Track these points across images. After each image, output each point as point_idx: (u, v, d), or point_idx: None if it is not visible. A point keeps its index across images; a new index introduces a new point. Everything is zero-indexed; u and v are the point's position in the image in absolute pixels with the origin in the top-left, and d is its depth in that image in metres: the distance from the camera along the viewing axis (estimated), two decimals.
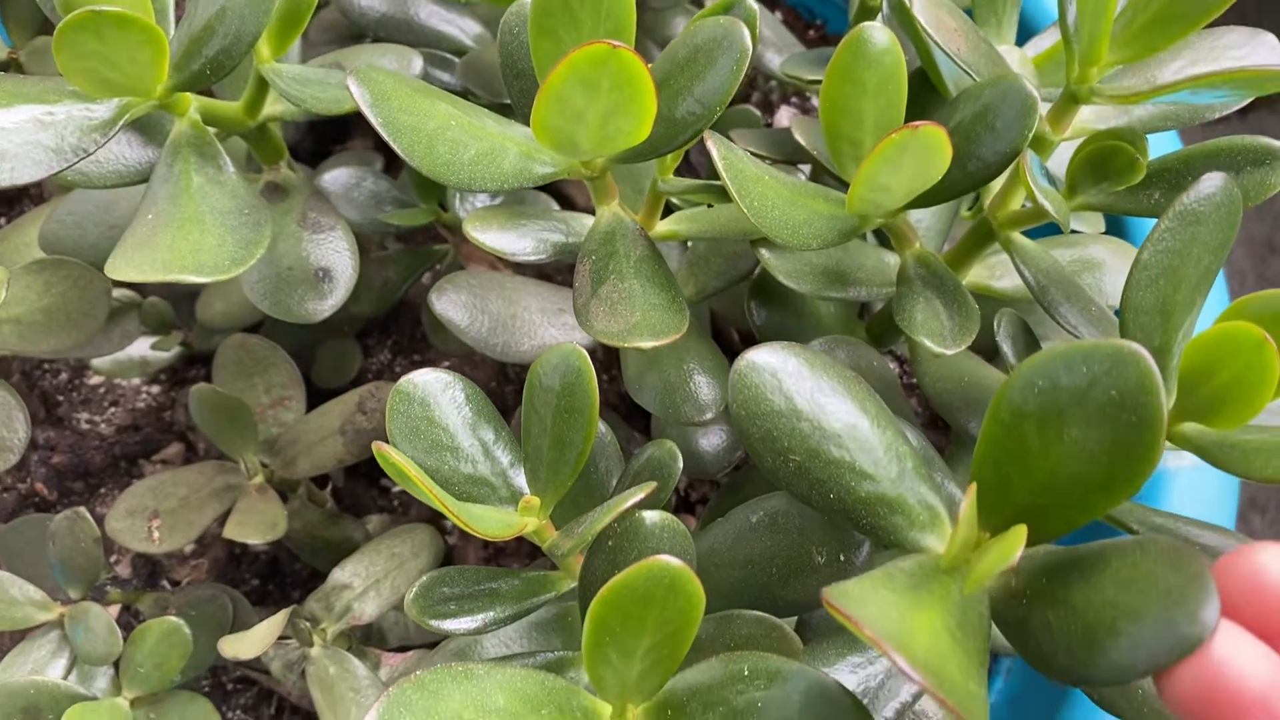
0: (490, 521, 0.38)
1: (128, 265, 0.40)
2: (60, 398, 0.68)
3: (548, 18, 0.38)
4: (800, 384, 0.31)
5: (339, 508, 0.64)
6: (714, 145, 0.36)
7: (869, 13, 0.55)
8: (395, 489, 0.68)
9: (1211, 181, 0.33)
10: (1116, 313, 0.44)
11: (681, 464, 0.41)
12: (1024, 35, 0.52)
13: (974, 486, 0.27)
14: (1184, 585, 0.23)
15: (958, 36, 0.37)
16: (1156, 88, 0.35)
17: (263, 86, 0.47)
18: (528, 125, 0.43)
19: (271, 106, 0.48)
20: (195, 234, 0.41)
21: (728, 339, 0.69)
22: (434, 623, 0.39)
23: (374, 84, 0.36)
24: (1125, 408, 0.26)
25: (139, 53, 0.40)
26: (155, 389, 0.69)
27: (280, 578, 0.65)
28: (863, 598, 0.25)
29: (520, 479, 0.42)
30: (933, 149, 0.33)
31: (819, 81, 0.53)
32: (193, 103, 0.45)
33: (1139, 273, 0.33)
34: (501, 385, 0.71)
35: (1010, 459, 0.28)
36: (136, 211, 0.43)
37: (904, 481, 0.31)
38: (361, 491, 0.67)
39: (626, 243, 0.42)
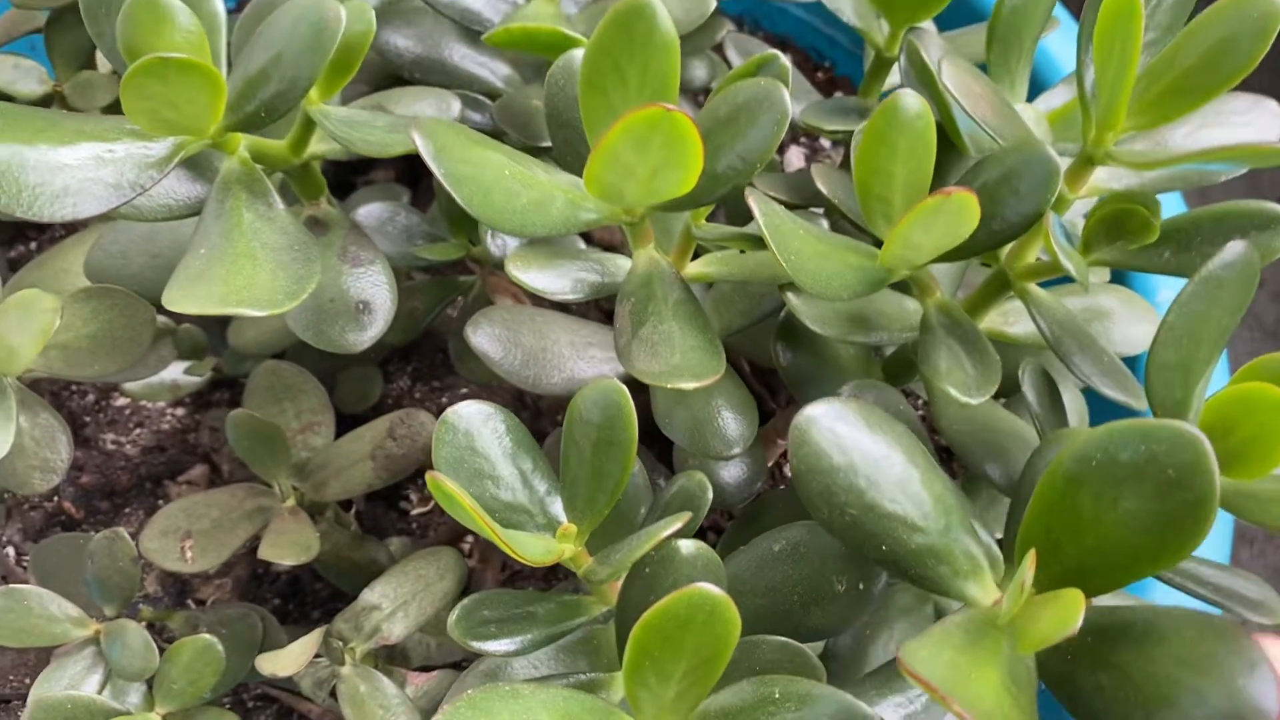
0: (533, 548, 0.40)
1: (185, 298, 0.41)
2: (87, 418, 0.70)
3: (598, 75, 0.40)
4: (859, 442, 0.34)
5: (361, 530, 0.66)
6: (755, 202, 0.38)
7: (884, 64, 0.58)
8: (414, 511, 0.70)
9: (1234, 249, 0.35)
10: (1124, 360, 0.47)
11: (711, 496, 0.43)
12: (1034, 88, 0.54)
13: (1033, 553, 0.29)
14: (1244, 670, 0.26)
15: (983, 103, 0.40)
16: (1170, 157, 0.37)
17: (309, 126, 0.49)
18: (569, 170, 0.46)
19: (316, 145, 0.50)
20: (249, 269, 0.43)
21: (738, 367, 0.72)
22: (475, 644, 0.41)
23: (436, 137, 0.38)
24: (1181, 485, 0.28)
25: (198, 95, 0.42)
26: (180, 411, 0.70)
27: (301, 597, 0.66)
28: (931, 659, 0.27)
29: (556, 506, 0.44)
30: (963, 213, 0.35)
31: (835, 131, 0.56)
32: (243, 141, 0.47)
33: (1165, 332, 0.36)
34: (518, 411, 0.73)
35: (1062, 523, 0.30)
36: (189, 245, 0.45)
37: (950, 533, 0.33)
38: (381, 514, 0.69)
39: (664, 286, 0.44)
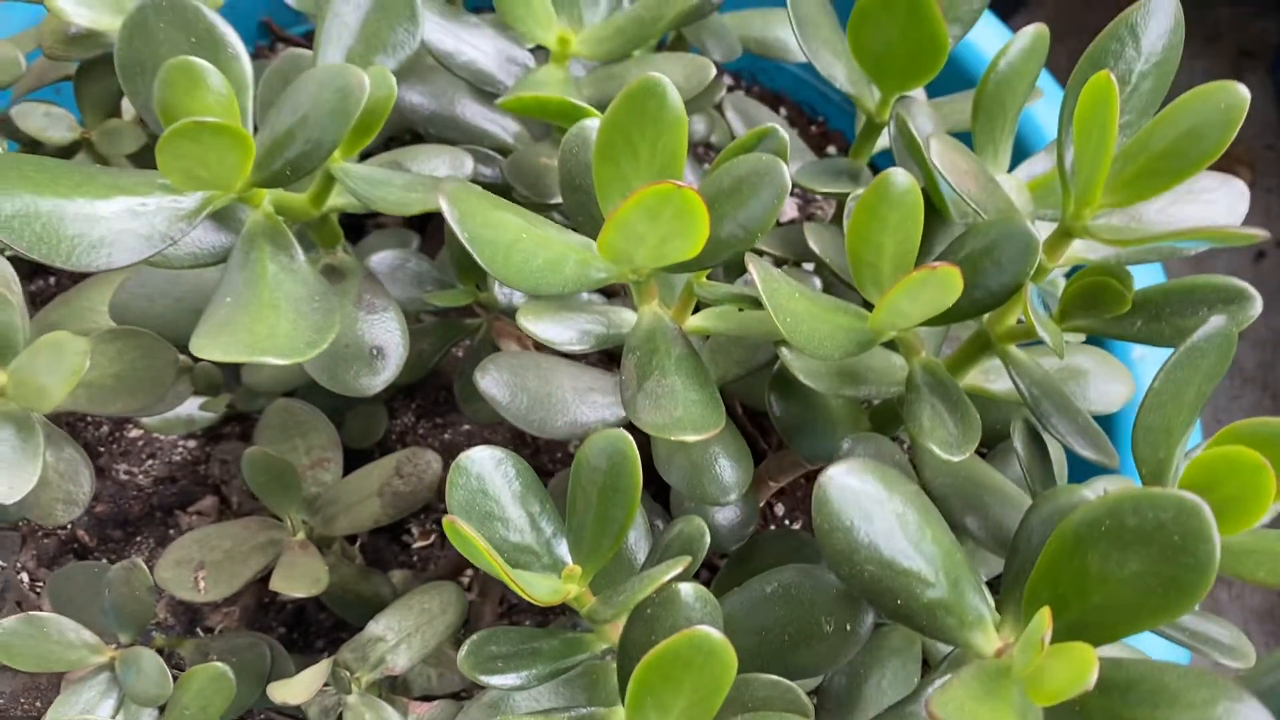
0: (541, 588, 0.42)
1: (212, 345, 0.44)
2: (102, 449, 0.72)
3: (611, 148, 0.43)
4: (878, 502, 0.36)
5: (364, 562, 0.68)
6: (755, 269, 0.40)
7: (875, 129, 0.61)
8: (416, 545, 0.72)
9: (1215, 323, 0.39)
10: (1100, 419, 0.50)
11: (709, 540, 0.46)
12: (1018, 153, 0.57)
13: (1047, 611, 0.32)
14: None
15: (969, 179, 0.42)
16: (1144, 236, 0.40)
17: (329, 182, 0.51)
18: (580, 230, 0.49)
19: (335, 199, 0.53)
20: (272, 318, 0.45)
21: (731, 410, 0.74)
22: (483, 677, 0.43)
23: (460, 202, 0.40)
24: (1185, 550, 0.31)
25: (229, 155, 0.45)
26: (191, 443, 0.73)
27: (305, 627, 0.68)
28: (959, 709, 0.30)
29: (561, 548, 0.46)
30: (947, 285, 0.38)
31: (828, 193, 0.59)
32: (267, 195, 0.50)
33: (1151, 397, 0.39)
34: (518, 448, 0.75)
35: (1069, 580, 0.33)
36: (214, 293, 0.48)
37: (958, 587, 0.36)
38: (384, 547, 0.71)
39: (667, 341, 0.46)
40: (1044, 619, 0.32)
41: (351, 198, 0.52)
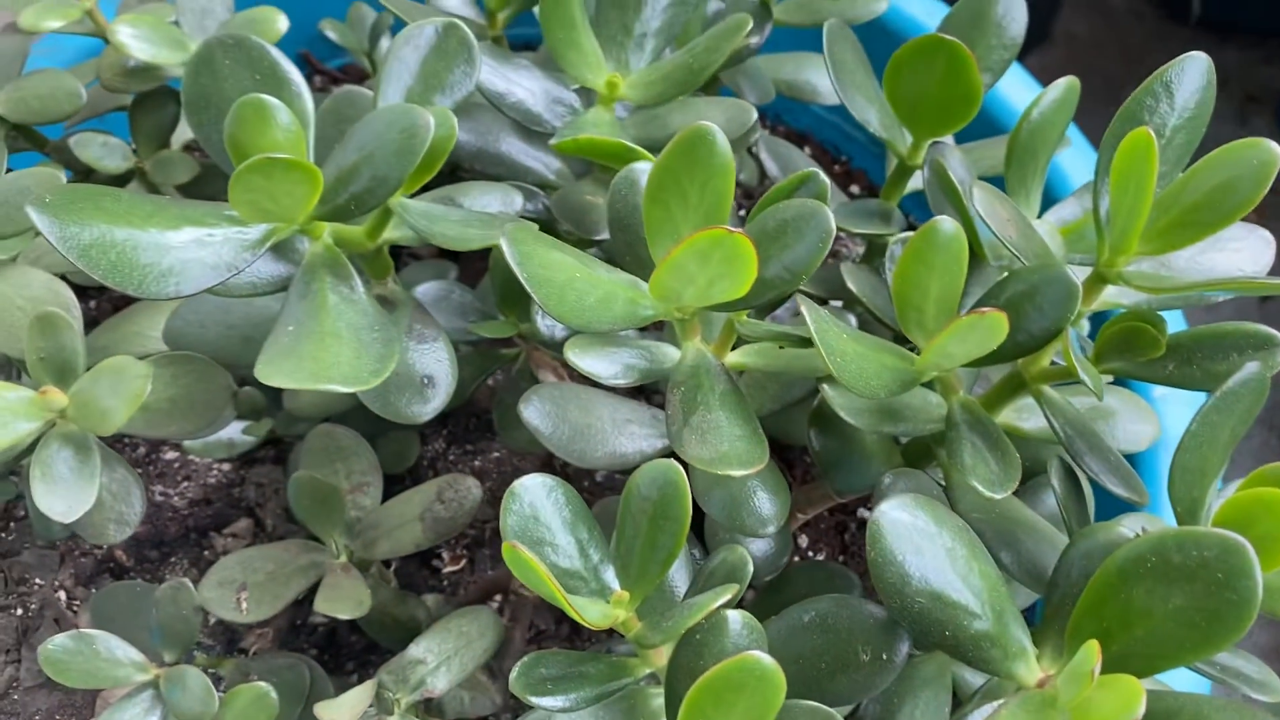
0: (593, 613, 0.44)
1: (277, 372, 0.45)
2: (138, 470, 0.73)
3: (661, 191, 0.44)
4: (929, 537, 0.38)
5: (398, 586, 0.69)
6: (807, 310, 0.42)
7: (906, 172, 0.63)
8: (446, 570, 0.73)
9: (1250, 369, 0.40)
10: (1127, 457, 0.52)
11: (751, 569, 0.47)
12: (1045, 199, 0.59)
13: (1097, 644, 0.33)
14: None
15: (1010, 226, 0.44)
16: (1178, 285, 0.42)
17: (386, 215, 0.53)
18: (627, 267, 0.50)
19: (390, 232, 0.54)
20: (335, 347, 0.47)
21: None
22: (533, 699, 0.44)
23: (521, 244, 0.42)
24: (1228, 587, 0.32)
25: (297, 189, 0.46)
26: (226, 466, 0.74)
27: (336, 649, 0.70)
28: None
29: (608, 574, 0.47)
30: (995, 329, 0.40)
31: (861, 234, 0.61)
32: (327, 227, 0.51)
33: (1188, 439, 0.41)
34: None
35: (1113, 614, 0.34)
36: (276, 322, 0.49)
37: (1003, 619, 0.38)
38: (414, 570, 0.73)
39: (711, 377, 0.48)
40: (1094, 651, 0.34)
41: (405, 231, 0.54)
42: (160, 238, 0.46)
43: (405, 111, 0.47)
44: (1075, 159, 0.74)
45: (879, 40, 0.81)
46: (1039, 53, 1.55)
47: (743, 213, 0.88)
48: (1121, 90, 1.65)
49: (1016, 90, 0.78)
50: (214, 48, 0.51)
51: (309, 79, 0.95)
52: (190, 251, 0.47)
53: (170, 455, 0.74)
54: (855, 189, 0.91)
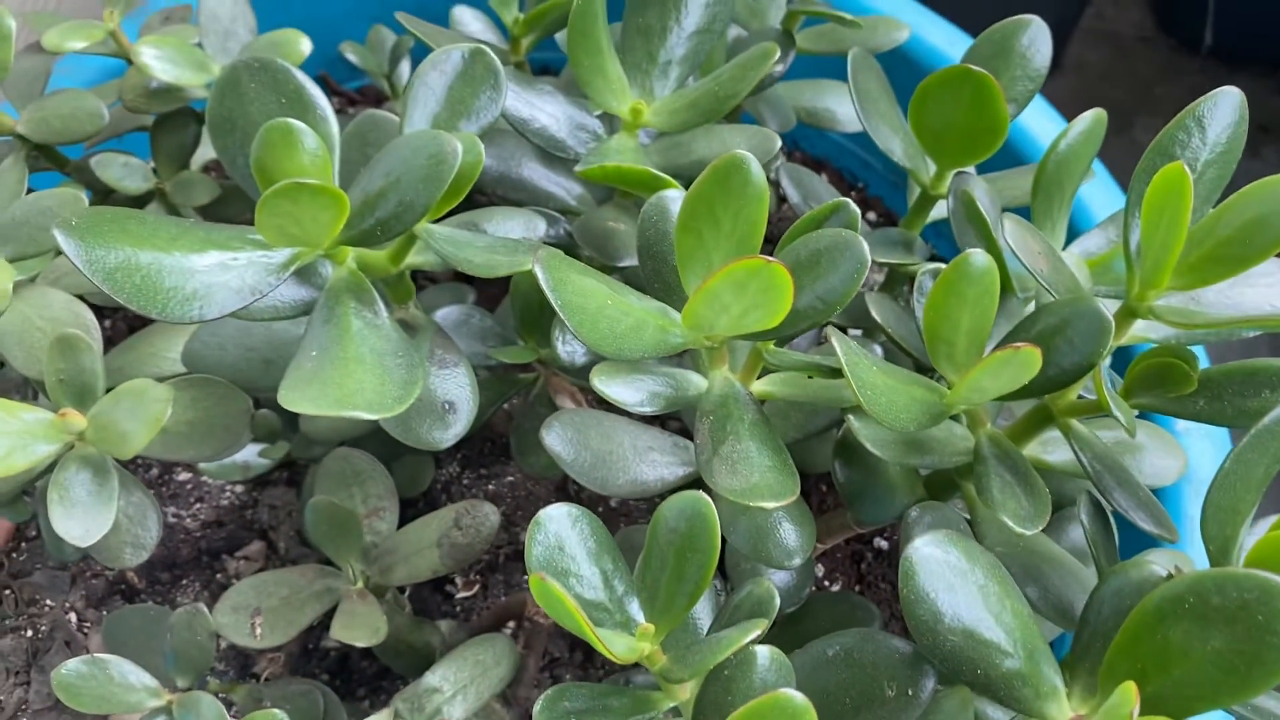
0: (619, 646, 0.43)
1: (300, 398, 0.45)
2: (152, 491, 0.73)
3: (694, 219, 0.44)
4: (962, 575, 0.37)
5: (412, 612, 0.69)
6: (838, 343, 0.42)
7: (929, 201, 0.63)
8: (459, 595, 0.73)
9: None
10: (1154, 491, 0.51)
11: (778, 603, 0.46)
12: (1069, 231, 0.59)
13: (1134, 686, 0.33)
14: None
15: (1042, 260, 0.44)
16: (1209, 321, 0.41)
17: (410, 240, 0.53)
18: (655, 294, 0.50)
19: (413, 257, 0.54)
20: (359, 373, 0.47)
21: None
22: None
23: (554, 271, 0.42)
24: (1269, 630, 0.32)
25: (323, 214, 0.46)
26: (239, 488, 0.73)
27: (348, 674, 0.69)
28: None
29: (632, 606, 0.47)
30: (1028, 365, 0.39)
31: (884, 263, 0.61)
32: (351, 252, 0.51)
33: (1222, 478, 0.40)
34: (563, 500, 0.76)
35: (1149, 655, 0.34)
36: (300, 347, 0.49)
37: (1034, 658, 0.37)
38: (428, 596, 0.72)
39: (740, 406, 0.48)
40: (1131, 693, 0.33)
41: (429, 256, 0.54)
42: (185, 261, 0.46)
43: (433, 138, 0.46)
44: (1095, 190, 0.74)
45: (901, 68, 0.81)
46: (1050, 81, 1.55)
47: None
48: (1133, 119, 1.65)
49: (1036, 120, 0.78)
50: (240, 70, 0.51)
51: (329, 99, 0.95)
52: (214, 275, 0.47)
53: (183, 476, 0.74)
54: (872, 215, 0.91)
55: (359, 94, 0.95)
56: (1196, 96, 0.50)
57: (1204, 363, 0.72)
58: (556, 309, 0.42)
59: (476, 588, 0.73)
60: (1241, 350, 1.25)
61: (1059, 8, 1.43)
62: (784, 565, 0.50)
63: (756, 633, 0.41)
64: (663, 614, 0.45)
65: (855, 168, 0.92)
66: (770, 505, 0.43)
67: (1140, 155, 0.48)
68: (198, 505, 0.73)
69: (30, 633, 0.69)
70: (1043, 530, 0.54)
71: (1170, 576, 0.42)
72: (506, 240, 0.52)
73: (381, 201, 0.47)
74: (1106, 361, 0.55)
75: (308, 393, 0.45)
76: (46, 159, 0.63)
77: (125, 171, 0.62)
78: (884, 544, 0.76)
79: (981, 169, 0.65)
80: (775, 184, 0.70)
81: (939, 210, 0.63)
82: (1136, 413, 0.57)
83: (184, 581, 0.71)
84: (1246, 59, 1.53)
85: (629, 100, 0.56)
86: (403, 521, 0.63)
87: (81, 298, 0.58)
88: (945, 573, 0.39)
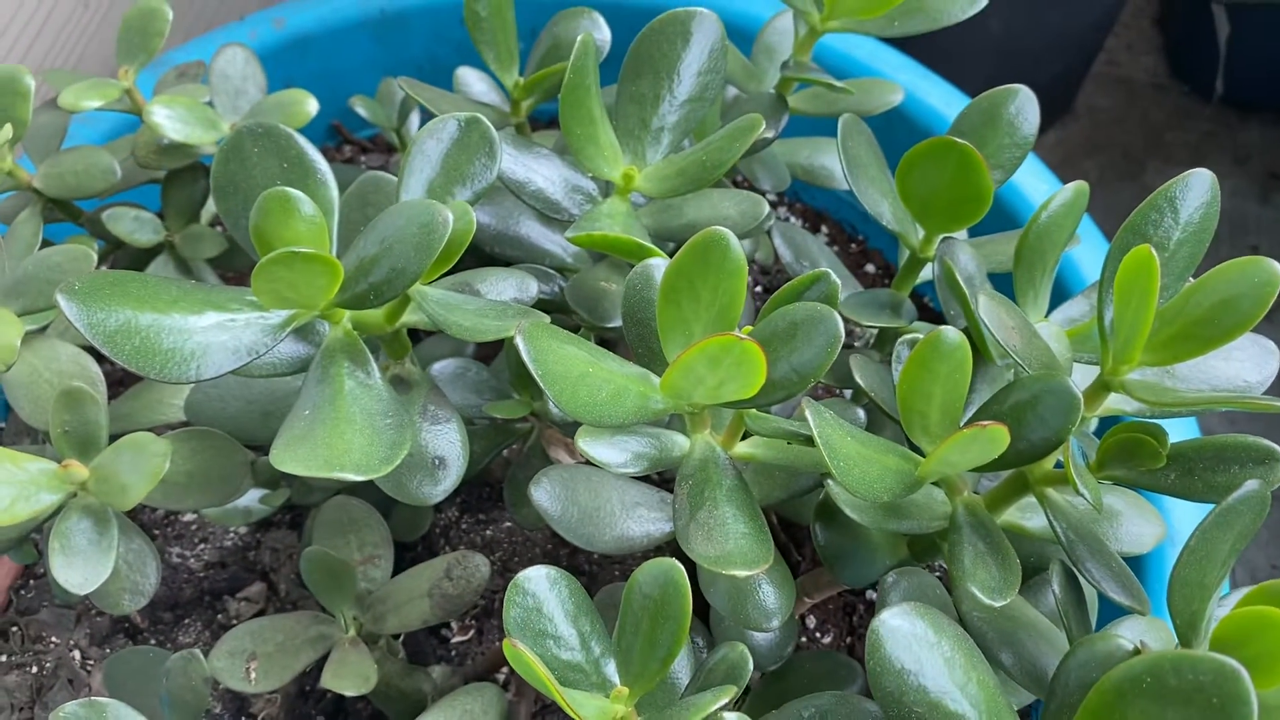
0: (589, 709, 0.44)
1: (291, 459, 0.46)
2: (156, 532, 0.74)
3: (674, 292, 0.46)
4: (928, 649, 0.38)
5: (404, 653, 0.70)
6: (811, 415, 0.43)
7: (918, 263, 0.64)
8: (454, 640, 0.74)
9: (1249, 486, 0.41)
10: (1131, 560, 0.52)
11: (751, 667, 0.47)
12: (1057, 292, 0.60)
13: None
14: None
15: (1014, 334, 0.45)
16: (1179, 400, 0.42)
17: (405, 301, 0.54)
18: (640, 359, 0.51)
19: (408, 316, 0.55)
20: (349, 434, 0.48)
21: (767, 520, 0.76)
22: None
23: (535, 341, 0.43)
24: (1223, 712, 0.32)
25: (318, 280, 0.47)
26: (242, 530, 0.75)
27: (343, 716, 0.70)
28: None
29: (609, 667, 0.48)
30: (995, 441, 0.40)
31: (871, 326, 0.62)
32: (346, 314, 0.53)
33: (1187, 554, 0.41)
34: (556, 547, 0.78)
35: None
36: (294, 405, 0.50)
37: None
38: (423, 640, 0.73)
39: (718, 472, 0.49)
40: None
41: (423, 315, 0.55)
42: (183, 322, 0.48)
43: (425, 207, 0.48)
44: (1086, 251, 0.75)
45: (898, 127, 0.83)
46: (1061, 125, 1.57)
47: (759, 289, 0.89)
48: (1144, 165, 1.66)
49: (1030, 181, 0.79)
50: (243, 136, 0.53)
51: (339, 148, 0.98)
52: (212, 335, 0.48)
53: (188, 517, 0.76)
54: (871, 267, 0.92)
55: (371, 142, 0.97)
56: (1208, 142, 0.51)
57: (1194, 432, 0.72)
58: (537, 379, 0.43)
59: (471, 632, 0.74)
60: (1228, 416, 1.25)
61: (1070, 55, 1.44)
62: (762, 627, 0.51)
63: (725, 700, 0.42)
64: (637, 677, 0.46)
65: (855, 220, 0.93)
66: (742, 574, 0.44)
67: None
68: (201, 546, 0.75)
69: (35, 669, 0.71)
70: (1022, 594, 0.55)
71: (1137, 650, 0.43)
72: (495, 304, 0.54)
73: (375, 267, 0.49)
74: (1092, 426, 0.56)
75: (298, 453, 0.47)
76: (61, 211, 0.65)
77: (136, 225, 0.64)
78: (875, 596, 0.76)
79: (973, 231, 0.66)
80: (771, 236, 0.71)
81: (929, 271, 0.64)
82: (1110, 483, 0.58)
83: (186, 621, 0.72)
84: (1258, 106, 1.54)
85: (620, 166, 0.57)
86: (401, 565, 0.65)
87: (88, 348, 0.60)
88: (912, 644, 0.40)
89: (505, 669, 0.73)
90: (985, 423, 0.40)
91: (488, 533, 0.77)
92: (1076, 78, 1.54)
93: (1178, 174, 0.48)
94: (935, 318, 0.88)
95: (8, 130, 0.59)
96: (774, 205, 0.95)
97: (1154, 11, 1.71)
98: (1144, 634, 0.50)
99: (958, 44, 1.04)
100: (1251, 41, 1.47)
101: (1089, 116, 1.58)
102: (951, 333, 0.43)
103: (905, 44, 0.87)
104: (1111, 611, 0.55)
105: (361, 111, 0.75)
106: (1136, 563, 0.65)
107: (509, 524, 0.78)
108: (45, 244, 0.63)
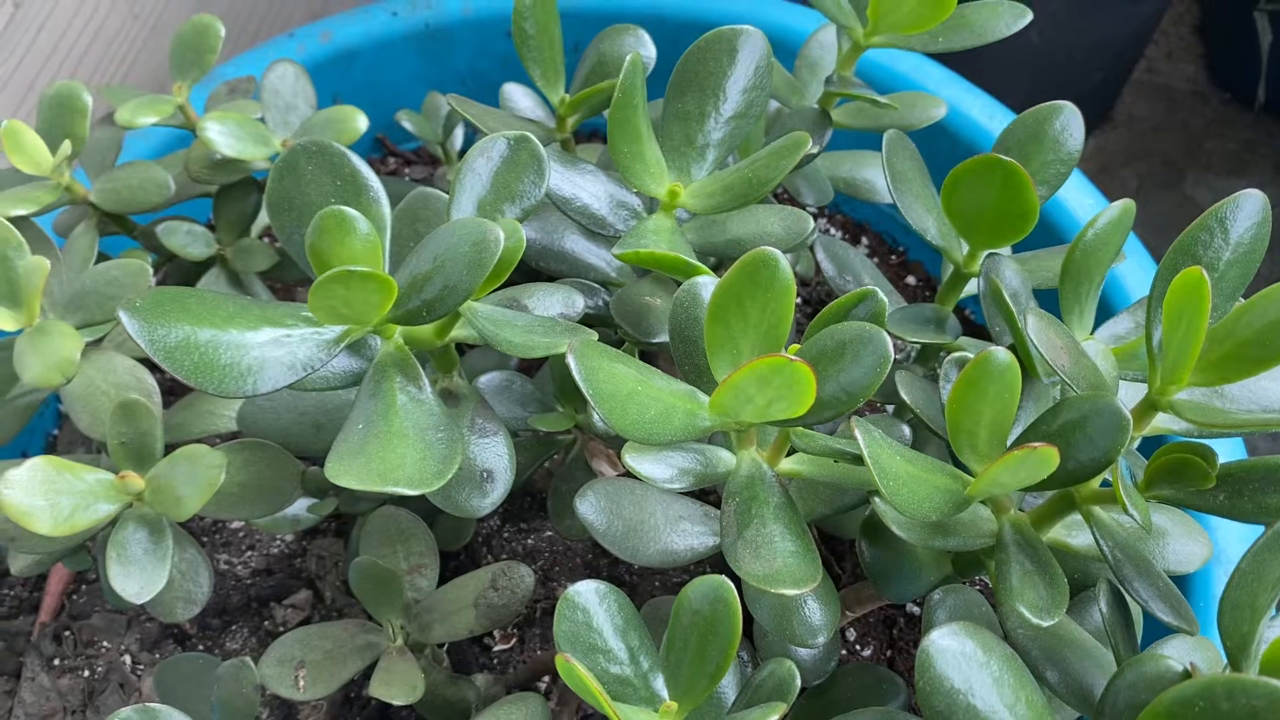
0: None
1: (347, 473, 0.47)
2: (204, 539, 0.76)
3: (723, 310, 0.46)
4: (977, 668, 0.39)
5: (448, 661, 0.71)
6: (860, 434, 0.43)
7: (961, 279, 0.64)
8: (497, 648, 0.75)
9: None
10: (1177, 579, 0.52)
11: (799, 683, 0.48)
12: (1101, 309, 0.60)
13: None
14: None
15: (1063, 354, 0.45)
16: (1228, 422, 0.42)
17: (455, 317, 0.55)
18: (686, 376, 0.52)
19: (457, 331, 0.56)
20: (402, 448, 0.49)
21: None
22: None
23: (586, 360, 0.44)
24: None
25: (372, 297, 0.48)
26: (289, 537, 0.76)
27: None
28: None
29: (658, 682, 0.48)
30: (1045, 463, 0.40)
31: (915, 341, 0.62)
32: (398, 329, 0.54)
33: (1238, 576, 0.41)
34: (596, 558, 0.78)
35: None
36: (348, 419, 0.51)
37: None
38: (466, 648, 0.74)
39: (765, 489, 0.49)
40: None
41: (472, 331, 0.56)
42: (240, 337, 0.49)
43: (477, 226, 0.49)
44: (1131, 267, 0.75)
45: (940, 140, 0.83)
46: (1100, 134, 1.56)
47: (799, 299, 0.90)
48: (1184, 174, 1.64)
49: (1075, 196, 0.79)
50: (298, 154, 0.53)
51: (383, 160, 0.99)
52: (268, 350, 0.49)
53: (236, 524, 0.77)
54: (911, 280, 0.92)
55: (415, 154, 0.98)
56: (1249, 151, 0.51)
57: (1240, 453, 0.72)
58: (588, 397, 0.43)
59: (514, 641, 0.75)
60: (1276, 436, 1.23)
61: (1110, 63, 1.43)
62: (808, 644, 0.51)
63: (774, 717, 0.43)
64: (686, 692, 0.46)
65: (896, 232, 0.93)
66: (790, 592, 0.44)
67: (1191, 211, 0.49)
68: (249, 553, 0.76)
69: (87, 673, 0.72)
70: (1067, 612, 0.55)
71: (1186, 672, 0.43)
72: (544, 320, 0.54)
73: (428, 284, 0.50)
74: (1136, 444, 0.56)
75: (352, 467, 0.47)
76: (116, 225, 0.66)
77: (189, 239, 0.66)
78: (916, 609, 0.76)
79: (1017, 247, 0.67)
80: (814, 251, 0.72)
81: (973, 286, 0.65)
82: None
83: (233, 628, 0.73)
84: None
85: (666, 183, 0.58)
86: (444, 573, 0.65)
87: (144, 360, 0.61)
88: (961, 664, 0.40)
89: (547, 677, 0.74)
90: (1035, 444, 0.40)
91: (529, 541, 0.78)
92: (1116, 86, 1.53)
93: (1218, 183, 0.49)
94: (978, 331, 0.88)
95: (66, 146, 0.61)
96: (815, 217, 0.95)
97: (1194, 19, 1.69)
98: (1191, 654, 0.50)
99: (998, 53, 1.03)
100: None
101: (1128, 125, 1.57)
102: (1001, 353, 0.43)
103: (946, 54, 0.87)
104: (1156, 630, 0.55)
105: (408, 125, 0.76)
106: (1181, 582, 0.65)
107: (550, 533, 0.79)
108: (101, 257, 0.64)
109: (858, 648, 0.74)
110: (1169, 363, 0.45)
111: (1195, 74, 1.62)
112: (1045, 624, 0.43)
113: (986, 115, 0.83)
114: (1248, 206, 0.47)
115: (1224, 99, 1.58)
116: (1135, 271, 0.75)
